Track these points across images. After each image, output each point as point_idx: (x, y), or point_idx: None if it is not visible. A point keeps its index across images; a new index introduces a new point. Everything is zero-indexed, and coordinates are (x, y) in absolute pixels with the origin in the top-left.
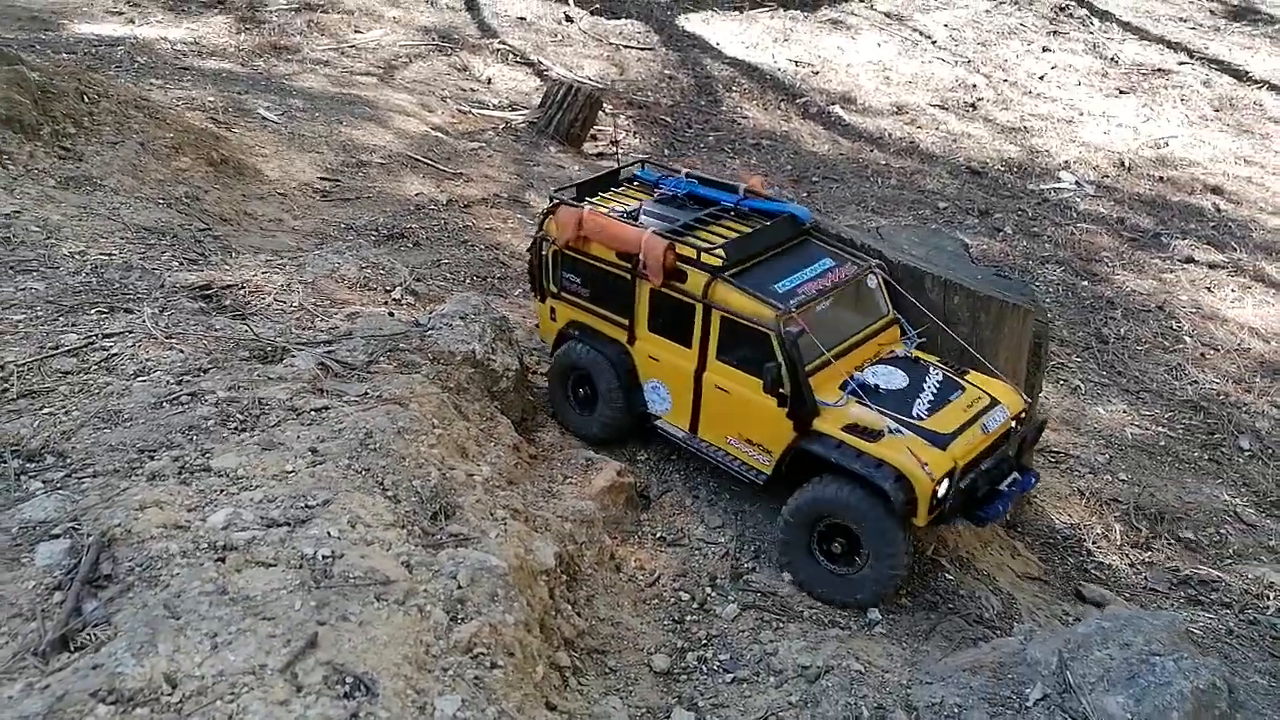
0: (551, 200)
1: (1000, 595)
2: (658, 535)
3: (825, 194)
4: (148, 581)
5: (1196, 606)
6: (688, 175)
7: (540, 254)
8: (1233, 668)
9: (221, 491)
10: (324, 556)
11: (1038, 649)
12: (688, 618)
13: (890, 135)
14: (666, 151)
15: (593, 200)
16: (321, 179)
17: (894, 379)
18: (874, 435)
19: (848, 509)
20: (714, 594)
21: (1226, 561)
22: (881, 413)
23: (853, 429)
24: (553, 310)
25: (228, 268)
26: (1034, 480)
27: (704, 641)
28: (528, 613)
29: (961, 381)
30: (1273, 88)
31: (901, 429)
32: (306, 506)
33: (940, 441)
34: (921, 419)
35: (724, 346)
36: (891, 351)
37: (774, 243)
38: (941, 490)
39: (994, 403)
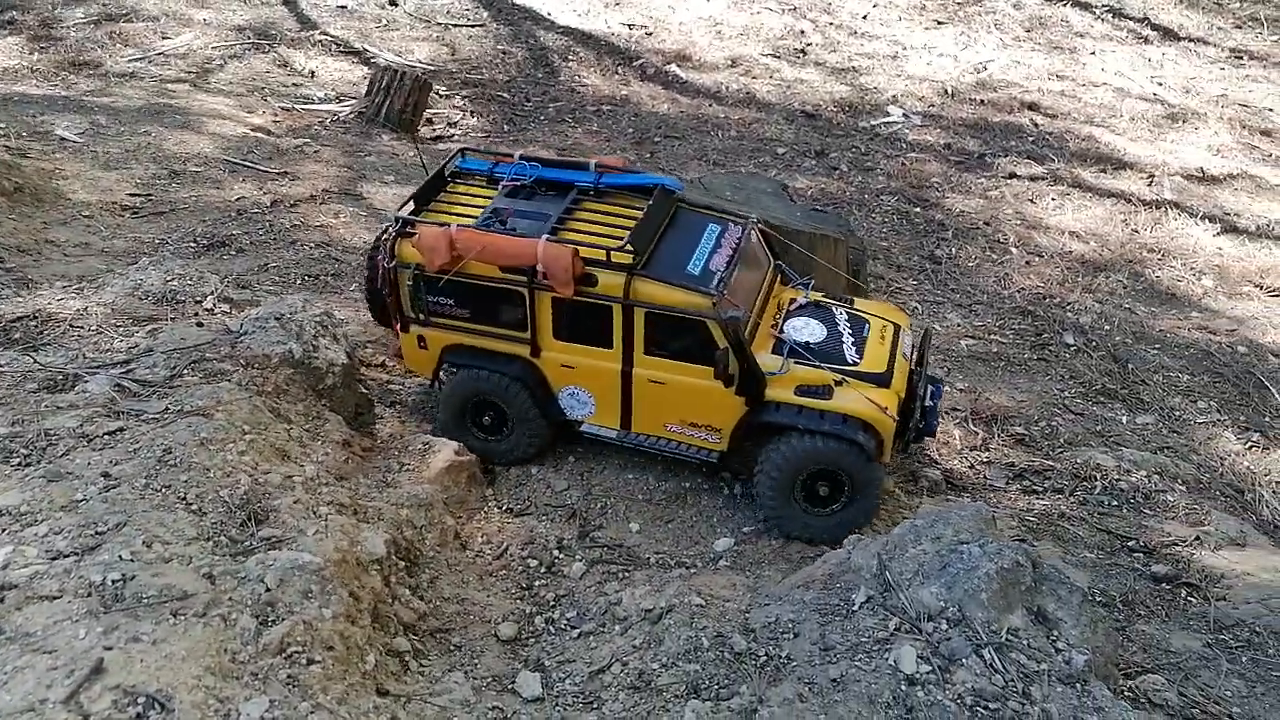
0: (395, 224)
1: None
2: (504, 507)
3: (668, 152)
4: None
5: (1032, 496)
6: (522, 158)
7: (392, 281)
8: (1065, 547)
9: (3, 531)
10: (114, 581)
11: (860, 555)
12: (536, 583)
13: (727, 88)
14: (506, 127)
15: (435, 210)
16: (132, 195)
17: (815, 330)
18: (826, 392)
19: (832, 460)
20: (562, 556)
21: (1059, 450)
22: (821, 367)
23: (804, 390)
24: (421, 339)
25: (20, 300)
26: (942, 387)
27: (552, 603)
28: (350, 604)
29: (863, 315)
30: (1077, 4)
31: (845, 378)
32: (97, 533)
33: (882, 380)
34: (857, 363)
35: (653, 341)
36: (794, 301)
37: (664, 222)
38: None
39: (896, 326)
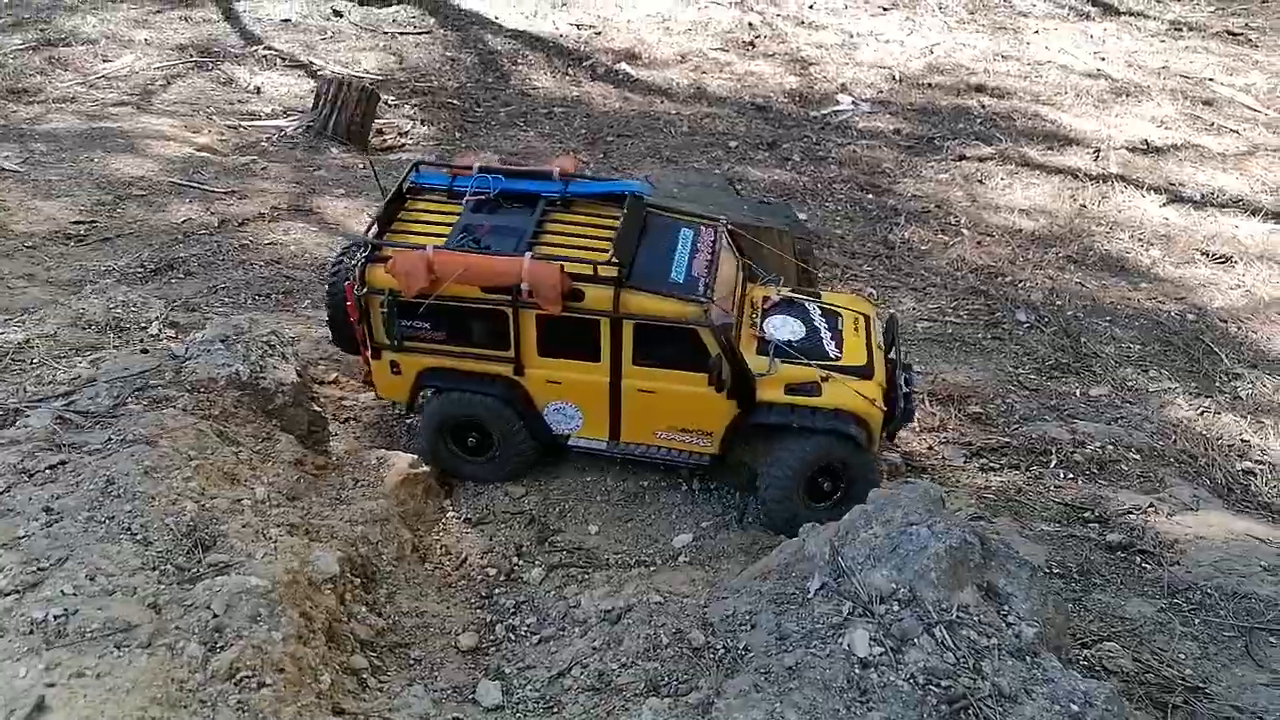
0: (361, 250)
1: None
2: (463, 517)
3: (620, 151)
4: None
5: (990, 473)
6: (481, 170)
7: (360, 308)
8: (1022, 521)
9: None
10: (56, 617)
11: (814, 543)
12: (496, 591)
13: (677, 84)
14: (458, 135)
15: (399, 230)
16: (75, 223)
17: (794, 327)
18: (815, 388)
19: (834, 457)
20: (521, 562)
21: (1014, 426)
22: (807, 365)
23: (793, 389)
24: (394, 364)
25: None
26: (916, 373)
27: (511, 610)
28: (302, 625)
29: (833, 308)
30: None
31: (830, 373)
32: (39, 569)
33: (865, 373)
34: (839, 358)
35: (642, 351)
36: (767, 299)
37: (639, 230)
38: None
39: (865, 317)
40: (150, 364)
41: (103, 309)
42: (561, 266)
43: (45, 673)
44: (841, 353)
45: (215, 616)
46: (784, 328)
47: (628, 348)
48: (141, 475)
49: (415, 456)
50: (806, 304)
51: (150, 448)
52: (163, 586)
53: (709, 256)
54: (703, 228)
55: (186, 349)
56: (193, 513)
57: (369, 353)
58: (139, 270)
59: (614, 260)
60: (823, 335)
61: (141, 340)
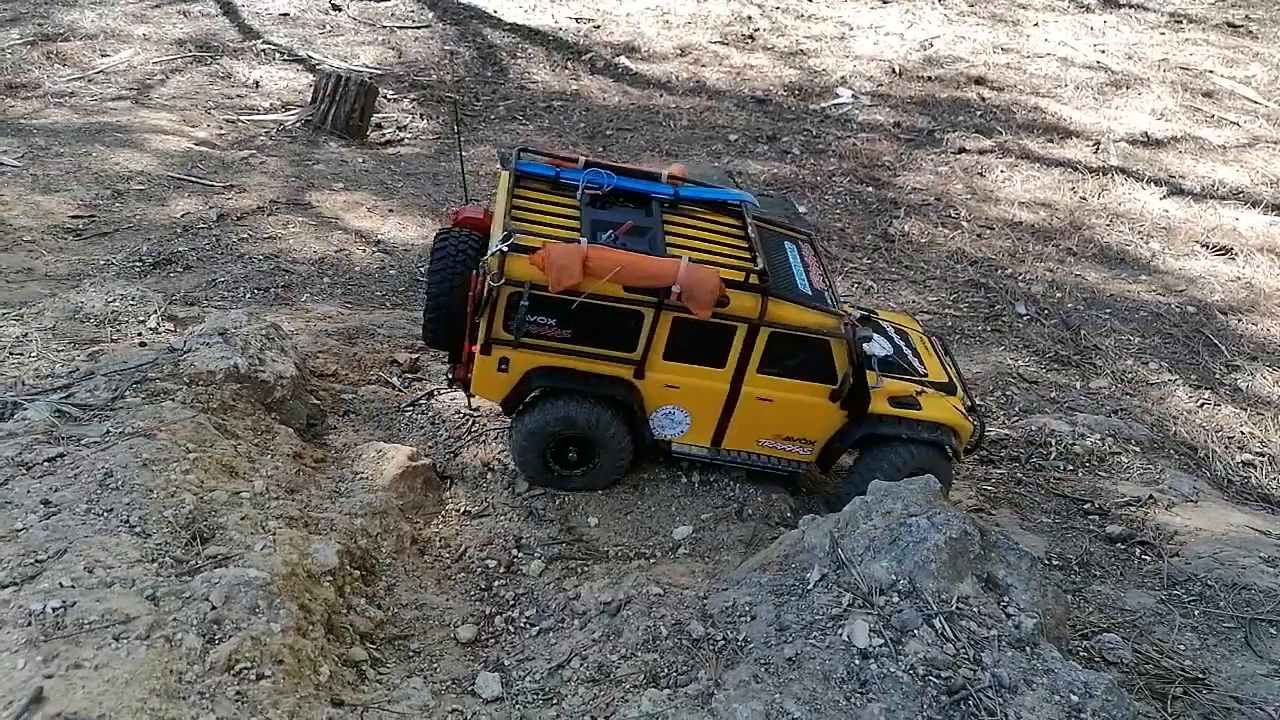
0: (505, 242)
1: (798, 496)
2: (462, 510)
3: (620, 144)
4: None
5: (990, 465)
6: (589, 164)
7: (487, 299)
8: (1022, 513)
9: None
10: (54, 609)
11: (813, 534)
12: (495, 583)
13: (677, 78)
14: (457, 128)
15: (517, 219)
16: (74, 217)
17: (882, 343)
18: (915, 402)
19: (927, 465)
20: (520, 555)
21: (1014, 419)
22: (904, 379)
23: (896, 402)
24: (504, 361)
25: None
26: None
27: (511, 602)
28: (301, 617)
29: (899, 326)
30: None
31: (925, 389)
32: (37, 561)
33: (949, 389)
34: (925, 374)
35: (771, 359)
36: (848, 315)
37: (767, 240)
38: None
39: (925, 335)
40: (148, 357)
41: (101, 303)
42: (718, 272)
43: (43, 664)
44: (925, 369)
45: (214, 608)
46: (874, 344)
47: (757, 356)
48: (140, 468)
49: (414, 449)
50: (881, 322)
51: (148, 440)
52: (161, 579)
53: (820, 270)
54: (801, 242)
55: (185, 342)
56: (191, 505)
57: (477, 348)
58: (137, 264)
59: (764, 269)
60: (906, 352)
61: (140, 334)
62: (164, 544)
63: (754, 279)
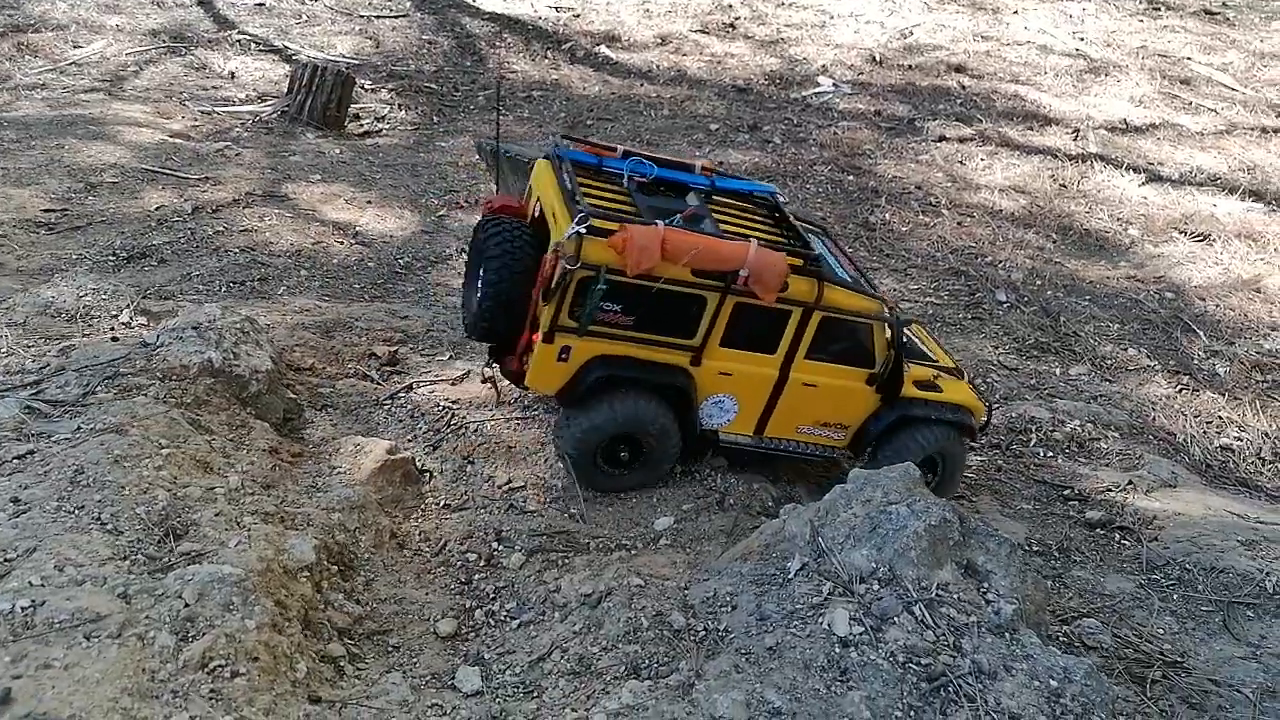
0: (582, 224)
1: (779, 485)
2: (442, 503)
3: (601, 134)
4: None
5: (970, 452)
6: (626, 153)
7: (560, 284)
8: (1003, 500)
9: None
10: (23, 608)
11: (794, 523)
12: (475, 577)
13: (658, 67)
14: (436, 118)
15: (594, 207)
16: (46, 211)
17: None
18: (934, 386)
19: (947, 446)
20: (500, 547)
21: (995, 406)
22: (921, 365)
23: (921, 385)
24: (564, 350)
25: None
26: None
27: (491, 596)
28: (277, 613)
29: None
30: None
31: (940, 373)
32: (5, 560)
33: (956, 374)
34: (935, 359)
35: (819, 345)
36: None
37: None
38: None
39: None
40: (121, 352)
41: (73, 297)
42: (784, 256)
43: (12, 665)
44: (934, 356)
45: (187, 606)
46: None
47: (807, 340)
48: (111, 464)
49: (393, 443)
50: None
51: (120, 436)
52: (133, 576)
53: (848, 260)
54: (822, 235)
55: (158, 337)
56: (164, 502)
57: (540, 336)
58: (111, 258)
59: (818, 254)
60: (915, 338)
61: (112, 329)
62: (136, 541)
63: (808, 264)
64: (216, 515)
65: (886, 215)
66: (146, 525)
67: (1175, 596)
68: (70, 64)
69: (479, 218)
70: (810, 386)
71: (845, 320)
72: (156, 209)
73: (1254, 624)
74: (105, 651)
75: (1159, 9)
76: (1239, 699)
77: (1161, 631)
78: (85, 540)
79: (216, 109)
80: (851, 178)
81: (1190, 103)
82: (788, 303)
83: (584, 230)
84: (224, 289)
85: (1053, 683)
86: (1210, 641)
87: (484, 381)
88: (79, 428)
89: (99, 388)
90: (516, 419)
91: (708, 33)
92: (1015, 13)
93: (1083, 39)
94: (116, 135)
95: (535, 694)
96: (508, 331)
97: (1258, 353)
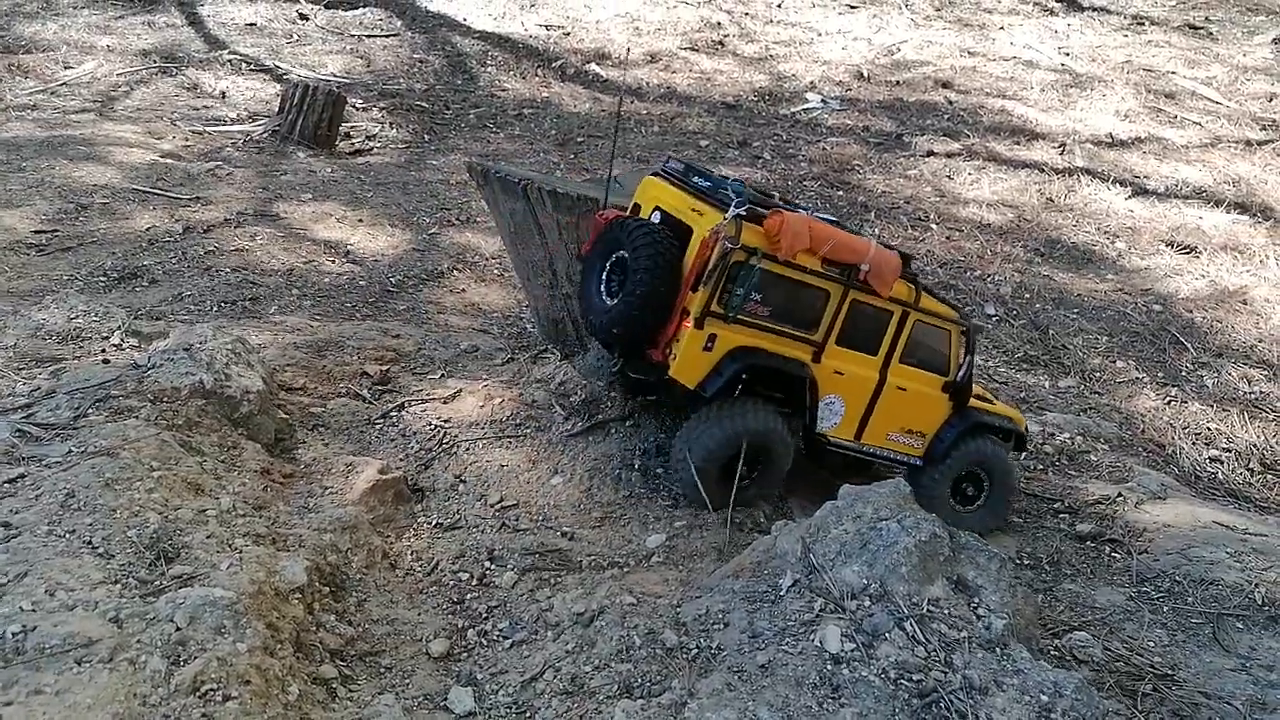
0: (741, 208)
1: (771, 501)
2: (434, 523)
3: (591, 152)
4: None
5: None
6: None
7: (719, 270)
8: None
9: None
10: (14, 633)
11: (785, 540)
12: (468, 596)
13: (647, 84)
14: (427, 137)
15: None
16: (36, 232)
17: None
18: (985, 398)
19: (991, 457)
20: (493, 566)
21: None
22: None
23: (978, 397)
24: (712, 338)
25: None
26: None
27: (484, 615)
28: (268, 636)
29: None
30: None
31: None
32: None
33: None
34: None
35: (910, 349)
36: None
37: None
38: None
39: None
40: (111, 374)
41: (63, 319)
42: (896, 253)
43: (3, 691)
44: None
45: (178, 630)
46: None
47: (902, 343)
48: (102, 487)
49: (384, 462)
50: None
51: (111, 459)
52: (124, 600)
53: None
54: None
55: (149, 358)
56: (156, 524)
57: (691, 322)
58: (102, 279)
59: (910, 256)
60: None
61: (103, 350)
62: (127, 565)
63: (907, 267)
64: (208, 537)
65: (876, 230)
66: (138, 548)
67: (1165, 609)
68: (61, 84)
69: (600, 229)
70: (902, 390)
71: (933, 325)
72: (147, 229)
73: (1243, 635)
74: (96, 677)
75: (1143, 24)
76: (1229, 711)
77: (1152, 644)
78: (76, 564)
79: (208, 129)
80: (841, 192)
81: (1175, 116)
82: (894, 303)
83: (743, 213)
84: (215, 309)
85: (1043, 697)
86: (1200, 654)
87: (624, 383)
88: (70, 451)
89: (90, 410)
90: (509, 438)
91: (697, 50)
92: (1001, 28)
93: (1068, 54)
94: (107, 156)
95: (528, 714)
96: (647, 335)
97: (1245, 363)
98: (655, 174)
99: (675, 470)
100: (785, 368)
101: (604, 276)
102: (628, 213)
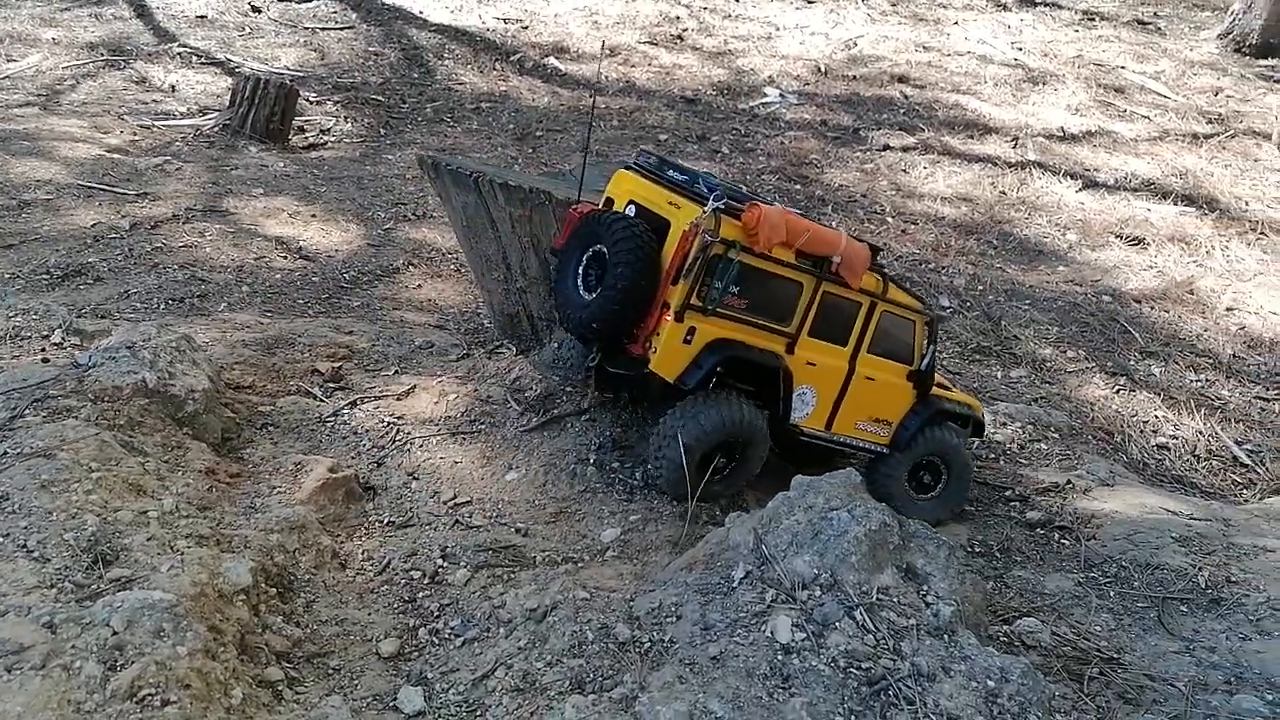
0: (719, 201)
1: (726, 496)
2: (386, 521)
3: (550, 146)
4: None
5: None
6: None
7: (699, 262)
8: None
9: None
10: None
11: (738, 532)
12: (419, 594)
13: (607, 78)
14: (383, 131)
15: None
16: None
17: None
18: (944, 385)
19: (950, 446)
20: (445, 564)
21: None
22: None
23: (938, 385)
24: (691, 330)
25: None
26: None
27: (435, 613)
28: (210, 639)
29: None
30: None
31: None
32: None
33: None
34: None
35: (877, 339)
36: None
37: None
38: None
39: None
40: (50, 374)
41: (2, 318)
42: (866, 246)
43: None
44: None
45: (115, 634)
46: None
47: (870, 334)
48: (39, 489)
49: (335, 461)
50: None
51: (48, 460)
52: (59, 605)
53: None
54: None
55: (90, 357)
56: (94, 527)
57: (669, 315)
58: (44, 277)
59: (880, 247)
60: None
61: (43, 349)
62: (64, 568)
63: (875, 259)
64: (149, 539)
65: (833, 223)
66: (75, 551)
67: (1112, 594)
68: (3, 78)
69: (575, 223)
70: (870, 380)
71: (899, 315)
72: (92, 226)
73: (1187, 619)
74: (28, 684)
75: (1094, 19)
76: (1173, 693)
77: (1099, 629)
78: (10, 569)
79: (156, 123)
80: (799, 186)
81: (1125, 110)
82: (863, 294)
83: (721, 207)
84: (162, 306)
85: (990, 683)
86: (1146, 637)
87: (598, 377)
88: (4, 453)
89: (27, 411)
90: (463, 434)
91: (656, 44)
92: (956, 24)
93: (1021, 49)
94: (51, 151)
95: (478, 712)
96: (626, 329)
97: (1191, 353)
98: (628, 167)
99: (658, 450)
100: (762, 360)
101: (581, 271)
102: (600, 206)
